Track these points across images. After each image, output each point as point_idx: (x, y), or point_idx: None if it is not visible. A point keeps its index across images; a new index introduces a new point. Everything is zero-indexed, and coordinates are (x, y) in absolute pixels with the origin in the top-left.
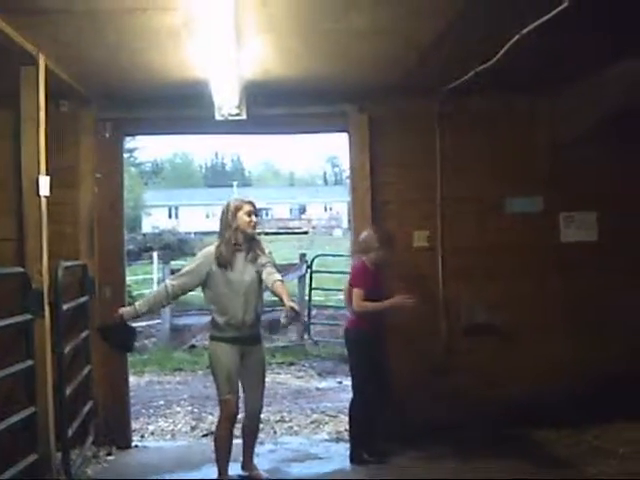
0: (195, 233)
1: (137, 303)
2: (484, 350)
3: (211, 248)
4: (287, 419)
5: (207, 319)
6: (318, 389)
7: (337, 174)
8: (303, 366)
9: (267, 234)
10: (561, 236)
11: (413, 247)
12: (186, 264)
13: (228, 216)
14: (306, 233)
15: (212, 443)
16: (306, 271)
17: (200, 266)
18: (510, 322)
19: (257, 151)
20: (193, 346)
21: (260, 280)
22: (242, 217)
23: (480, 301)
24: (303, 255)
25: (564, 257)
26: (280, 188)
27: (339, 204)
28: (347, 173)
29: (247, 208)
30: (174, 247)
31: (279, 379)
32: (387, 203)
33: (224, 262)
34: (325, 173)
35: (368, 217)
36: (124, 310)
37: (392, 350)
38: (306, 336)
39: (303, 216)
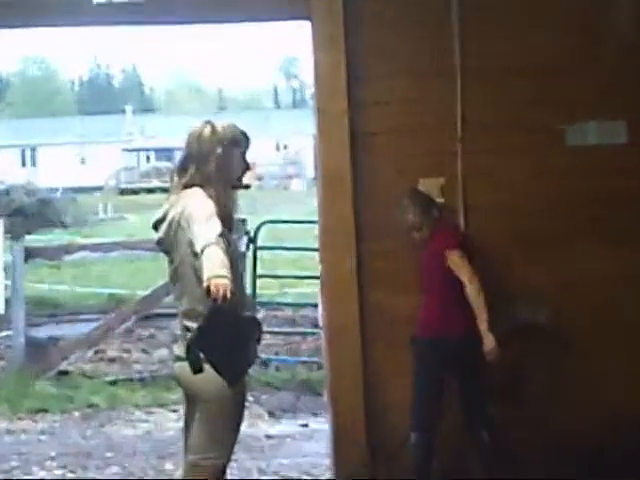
0: (64, 189)
1: (220, 271)
2: (528, 363)
3: (204, 198)
4: None
5: (84, 327)
6: (269, 437)
7: (296, 91)
8: (246, 401)
9: (184, 187)
10: None
11: None
12: (202, 212)
13: (216, 149)
14: (247, 187)
15: None
16: (247, 247)
17: None
18: (568, 321)
19: (164, 57)
20: (64, 372)
21: None
22: (237, 158)
23: (523, 289)
24: (242, 222)
25: None
26: (203, 115)
27: (299, 139)
28: (311, 89)
29: (243, 146)
30: (30, 212)
31: None
32: (374, 135)
33: (230, 221)
34: (276, 90)
35: (345, 158)
36: (226, 283)
37: (393, 367)
38: None
39: None
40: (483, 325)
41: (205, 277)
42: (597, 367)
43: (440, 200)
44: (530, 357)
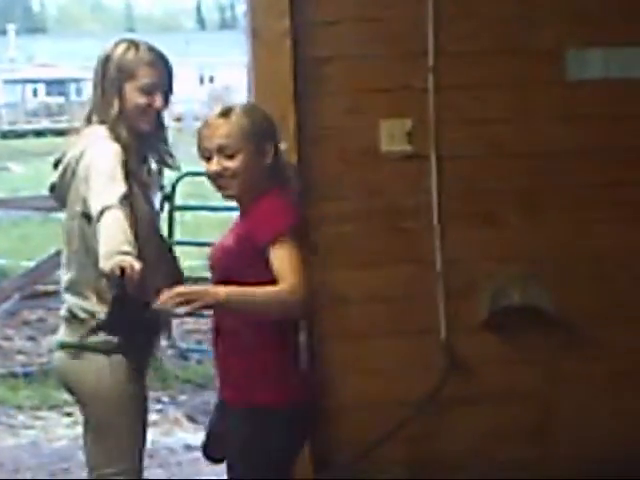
0: None
1: (123, 246)
2: (524, 359)
3: (109, 144)
4: None
5: None
6: (189, 447)
7: (224, 8)
8: (160, 402)
9: (87, 123)
10: None
11: (379, 153)
12: (105, 164)
13: (105, 83)
14: (162, 136)
15: None
16: (161, 207)
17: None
18: (573, 303)
19: None
20: None
21: None
22: (133, 96)
23: (513, 264)
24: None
25: None
26: (106, 37)
27: (229, 69)
28: (243, 5)
29: (145, 76)
30: None
31: None
32: (324, 62)
33: (140, 175)
34: (199, 6)
35: (286, 95)
36: (132, 262)
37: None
38: (165, 341)
39: None
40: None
41: (103, 252)
42: (607, 368)
43: (407, 147)
44: (527, 349)
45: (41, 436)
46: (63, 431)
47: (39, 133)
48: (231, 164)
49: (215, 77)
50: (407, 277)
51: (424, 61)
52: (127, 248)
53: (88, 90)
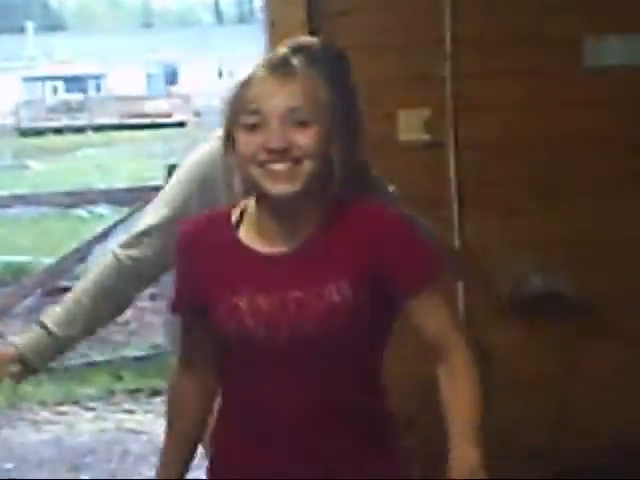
0: None
1: (47, 319)
2: (545, 345)
3: (202, 156)
4: None
5: None
6: None
7: (242, 2)
8: None
9: (99, 129)
10: None
11: (397, 142)
12: (168, 186)
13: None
14: (182, 125)
15: None
16: None
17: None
18: (596, 290)
19: None
20: None
21: None
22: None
23: (534, 251)
24: (173, 168)
25: None
26: (124, 33)
27: (248, 63)
28: None
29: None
30: None
31: (130, 423)
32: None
33: None
34: (217, 0)
35: None
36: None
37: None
38: None
39: (173, 89)
40: (472, 428)
41: None
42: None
43: (425, 136)
44: (549, 336)
45: (64, 431)
46: (86, 426)
47: (58, 130)
48: (305, 137)
49: (234, 71)
50: None
51: (442, 49)
52: (49, 315)
53: (107, 86)
